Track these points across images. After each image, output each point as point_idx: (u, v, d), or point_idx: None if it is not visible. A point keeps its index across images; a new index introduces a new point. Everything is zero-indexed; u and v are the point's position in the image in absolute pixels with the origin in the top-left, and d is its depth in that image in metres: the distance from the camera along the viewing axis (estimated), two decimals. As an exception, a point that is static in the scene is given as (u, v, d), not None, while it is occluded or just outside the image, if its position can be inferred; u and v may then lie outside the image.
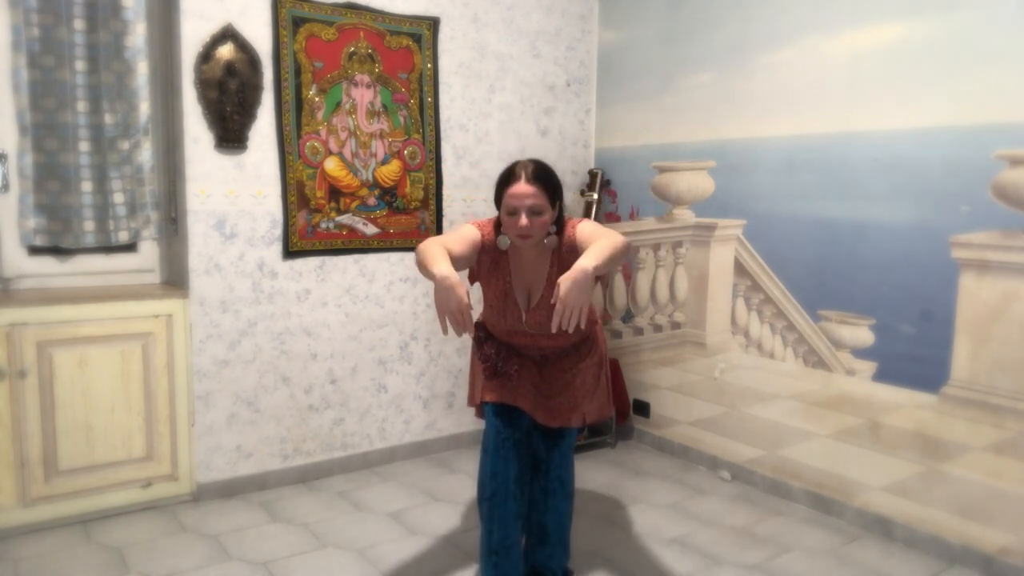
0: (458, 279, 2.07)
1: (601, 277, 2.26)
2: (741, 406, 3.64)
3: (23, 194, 3.09)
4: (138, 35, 3.21)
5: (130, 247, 3.38)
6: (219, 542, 2.95)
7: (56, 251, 3.22)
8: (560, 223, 2.37)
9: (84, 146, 3.17)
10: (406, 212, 3.75)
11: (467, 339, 3.95)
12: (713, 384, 3.78)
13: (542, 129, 4.15)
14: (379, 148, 3.64)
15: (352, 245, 3.61)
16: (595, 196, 4.18)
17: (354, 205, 3.60)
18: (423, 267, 2.19)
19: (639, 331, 4.16)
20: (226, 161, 3.28)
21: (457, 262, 2.23)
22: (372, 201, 3.65)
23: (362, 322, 3.68)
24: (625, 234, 4.15)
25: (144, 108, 3.26)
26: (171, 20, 3.22)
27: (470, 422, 4.00)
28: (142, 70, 3.23)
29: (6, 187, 3.09)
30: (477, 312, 2.65)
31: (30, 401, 2.93)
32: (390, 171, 3.68)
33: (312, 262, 3.53)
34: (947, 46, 2.80)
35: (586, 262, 2.06)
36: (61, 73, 3.09)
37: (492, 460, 2.45)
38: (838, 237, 3.19)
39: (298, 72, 3.40)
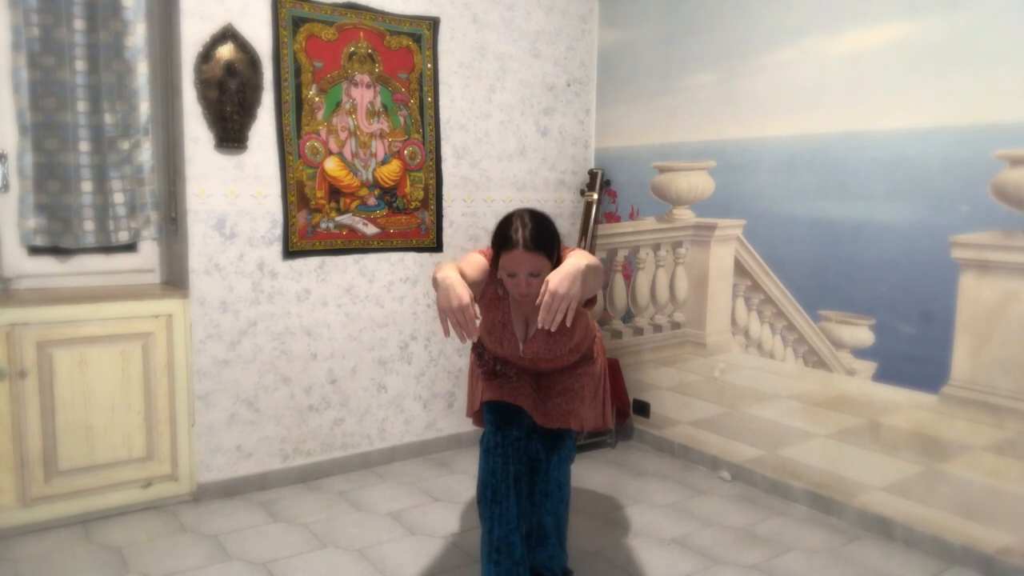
0: (460, 279, 2.06)
1: (591, 301, 2.32)
2: (741, 406, 3.64)
3: (23, 194, 3.09)
4: (138, 35, 3.20)
5: (130, 247, 3.38)
6: (219, 542, 2.95)
7: (56, 251, 3.22)
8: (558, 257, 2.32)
9: (84, 146, 3.17)
10: (406, 212, 3.75)
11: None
12: (713, 384, 3.78)
13: (542, 129, 4.15)
14: (379, 148, 3.64)
15: (352, 245, 3.61)
16: (595, 196, 4.18)
17: (354, 205, 3.60)
18: (438, 279, 2.16)
19: (639, 331, 4.16)
20: (226, 161, 3.28)
21: (472, 283, 2.22)
22: (372, 201, 3.65)
23: (362, 322, 3.68)
24: (625, 234, 4.17)
25: (144, 108, 3.26)
26: (171, 20, 3.22)
27: (469, 422, 3.99)
28: (142, 70, 3.23)
29: (6, 187, 3.09)
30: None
31: (30, 401, 2.93)
32: (390, 171, 3.68)
33: (312, 262, 3.53)
34: (947, 46, 2.80)
35: (577, 259, 2.09)
36: (61, 73, 3.09)
37: (492, 458, 2.45)
38: (838, 237, 3.19)
39: (298, 72, 3.40)
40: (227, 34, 3.21)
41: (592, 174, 4.23)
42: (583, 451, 3.96)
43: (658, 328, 4.06)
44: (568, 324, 2.07)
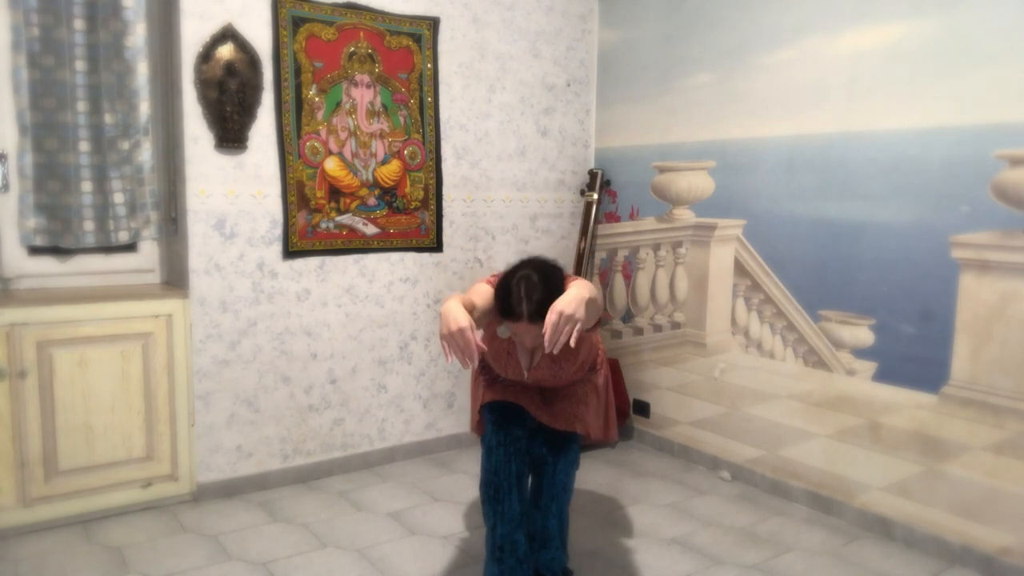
0: (460, 307, 2.08)
1: (592, 328, 2.37)
2: (741, 406, 3.64)
3: (23, 194, 3.09)
4: (138, 35, 3.20)
5: (130, 247, 3.38)
6: (219, 542, 2.95)
7: (56, 251, 3.22)
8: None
9: (84, 146, 3.17)
10: (406, 212, 3.75)
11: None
12: (713, 384, 3.78)
13: (542, 129, 4.15)
14: (379, 148, 3.64)
15: (352, 245, 3.61)
16: (595, 196, 4.18)
17: (354, 205, 3.60)
18: (443, 313, 2.18)
19: (639, 331, 4.16)
20: (226, 161, 3.28)
21: (480, 314, 2.25)
22: (372, 201, 3.65)
23: (362, 322, 3.68)
24: (625, 234, 4.17)
25: (144, 108, 3.26)
26: (171, 20, 3.22)
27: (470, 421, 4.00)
28: (142, 70, 3.23)
29: (6, 187, 3.09)
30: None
31: (30, 401, 2.93)
32: (390, 171, 3.68)
33: (312, 262, 3.53)
34: (947, 46, 2.80)
35: (579, 290, 2.12)
36: (61, 73, 3.09)
37: (493, 457, 2.45)
38: (838, 237, 3.19)
39: (298, 72, 3.40)
40: (227, 34, 3.21)
41: (592, 174, 4.23)
42: (583, 451, 3.95)
43: (658, 328, 4.06)
44: (572, 345, 2.09)
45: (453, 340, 2.03)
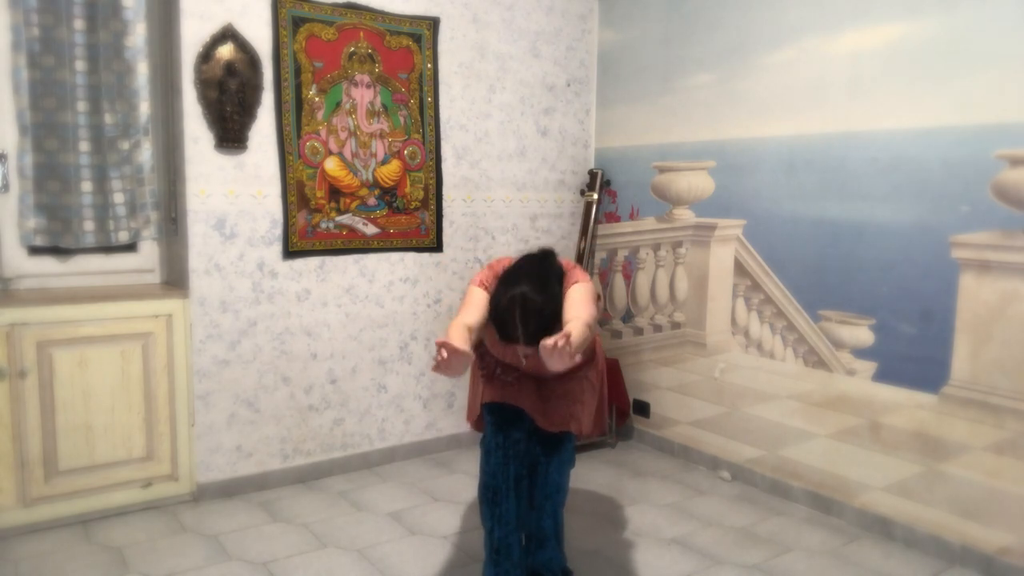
0: (459, 334, 2.12)
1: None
2: (741, 406, 3.64)
3: (23, 194, 3.09)
4: (138, 35, 3.20)
5: (130, 247, 3.37)
6: (219, 542, 2.95)
7: (56, 251, 3.22)
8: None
9: (84, 146, 3.17)
10: (406, 212, 3.75)
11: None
12: (713, 384, 3.78)
13: (542, 129, 4.15)
14: (379, 148, 3.64)
15: (352, 245, 3.61)
16: (595, 196, 4.18)
17: (354, 205, 3.60)
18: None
19: (639, 331, 4.16)
20: (226, 161, 3.28)
21: (481, 326, 2.28)
22: (372, 201, 3.65)
23: (362, 322, 3.68)
24: (625, 234, 4.17)
25: (144, 108, 3.26)
26: (171, 20, 3.22)
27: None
28: (142, 70, 3.23)
29: (6, 187, 3.09)
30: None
31: (30, 401, 2.93)
32: (390, 171, 3.68)
33: (312, 262, 3.53)
34: (947, 46, 2.80)
35: (577, 329, 2.06)
36: (61, 73, 3.09)
37: (492, 460, 2.45)
38: (838, 237, 3.19)
39: (298, 72, 3.40)
40: (227, 34, 3.21)
41: (592, 174, 4.23)
42: (583, 451, 3.95)
43: (658, 328, 4.06)
44: (572, 363, 2.08)
45: (441, 347, 2.00)
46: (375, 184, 3.64)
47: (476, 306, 2.31)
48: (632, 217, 4.14)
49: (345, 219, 3.58)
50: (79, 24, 3.10)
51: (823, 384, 3.29)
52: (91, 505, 3.09)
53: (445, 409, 3.99)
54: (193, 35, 3.16)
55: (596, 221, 4.24)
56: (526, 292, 2.17)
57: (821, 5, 3.18)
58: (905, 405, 3.00)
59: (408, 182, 3.74)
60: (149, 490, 3.21)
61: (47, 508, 3.00)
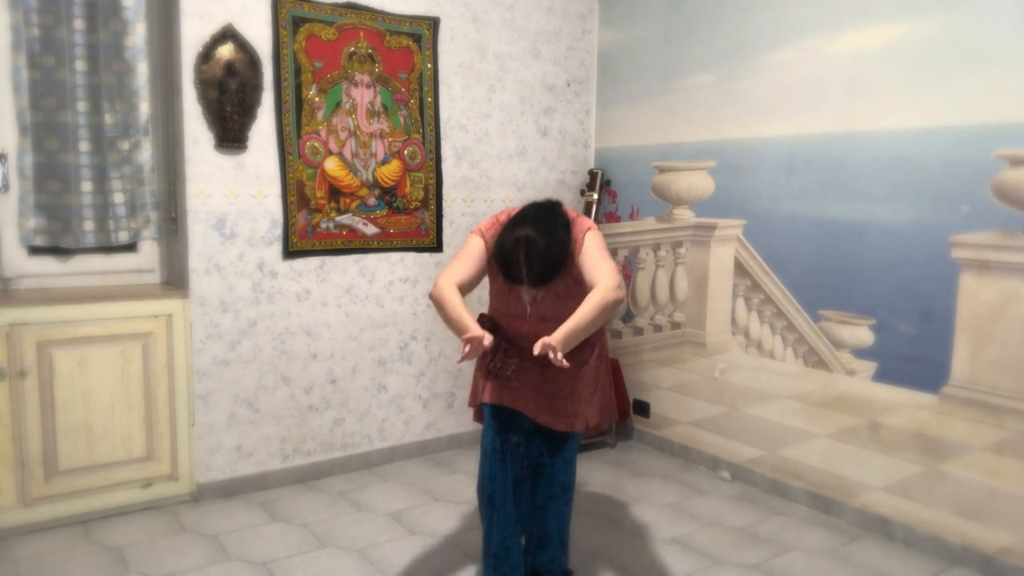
0: (465, 312, 2.22)
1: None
2: (741, 406, 3.64)
3: (23, 194, 3.09)
4: (138, 35, 3.20)
5: (130, 247, 3.37)
6: (219, 542, 2.95)
7: (56, 251, 3.22)
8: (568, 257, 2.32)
9: (84, 146, 3.17)
10: (406, 212, 3.75)
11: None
12: (713, 384, 3.78)
13: (542, 129, 4.15)
14: (379, 148, 3.64)
15: (352, 245, 3.61)
16: (595, 196, 4.18)
17: (354, 205, 3.60)
18: (446, 319, 2.30)
19: (639, 331, 4.16)
20: (226, 161, 3.28)
21: (471, 284, 2.33)
22: (372, 201, 3.65)
23: (362, 322, 3.68)
24: (625, 234, 4.17)
25: (144, 108, 3.26)
26: (171, 20, 3.22)
27: (470, 422, 3.99)
28: (142, 70, 3.23)
29: (6, 187, 3.09)
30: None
31: (30, 401, 2.93)
32: (390, 171, 3.68)
33: (312, 262, 3.53)
34: (947, 46, 2.80)
35: (559, 336, 2.14)
36: (61, 73, 3.09)
37: (490, 463, 2.44)
38: (838, 237, 3.19)
39: (298, 72, 3.40)
40: (227, 34, 3.21)
41: (592, 174, 4.23)
42: (583, 451, 3.95)
43: (658, 328, 4.06)
44: (567, 365, 2.15)
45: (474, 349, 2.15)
46: (375, 184, 3.64)
47: (469, 260, 2.34)
48: (632, 217, 4.14)
49: (345, 219, 3.58)
50: (79, 24, 3.10)
51: (823, 384, 3.29)
52: (91, 505, 3.09)
53: (445, 409, 3.99)
54: (193, 35, 3.17)
55: (596, 221, 4.24)
56: (531, 235, 2.19)
57: (821, 5, 3.18)
58: (905, 405, 3.00)
59: (408, 182, 3.74)
60: (149, 490, 3.21)
61: (47, 508, 3.00)
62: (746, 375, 3.62)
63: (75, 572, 2.70)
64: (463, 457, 3.87)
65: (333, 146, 3.51)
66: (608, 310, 2.20)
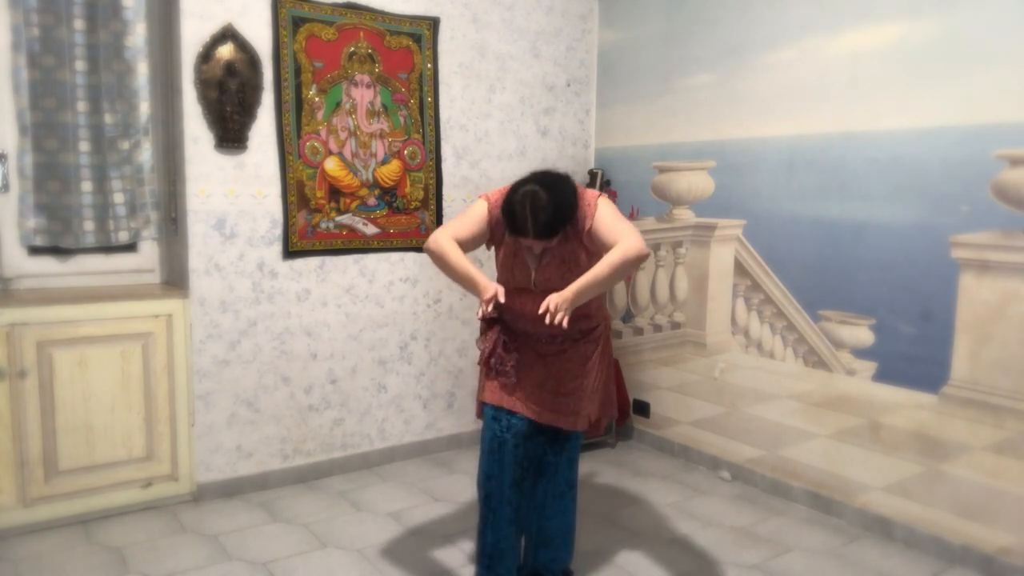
0: (472, 268, 2.30)
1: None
2: (741, 406, 3.64)
3: (23, 194, 3.09)
4: (138, 35, 3.21)
5: (130, 247, 3.37)
6: (219, 542, 2.95)
7: (56, 251, 3.22)
8: (574, 220, 2.34)
9: (84, 146, 3.17)
10: (406, 212, 3.75)
11: (468, 339, 3.96)
12: (713, 384, 3.78)
13: (542, 129, 4.15)
14: (379, 148, 3.64)
15: (352, 245, 3.61)
16: (595, 196, 4.17)
17: (354, 205, 3.60)
18: (451, 272, 2.35)
19: (639, 331, 4.16)
20: (226, 161, 3.28)
21: (468, 244, 2.38)
22: (372, 201, 3.65)
23: (362, 322, 3.68)
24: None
25: (144, 108, 3.26)
26: (171, 20, 3.22)
27: (470, 422, 4.00)
28: (142, 70, 3.23)
29: (6, 187, 3.09)
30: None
31: (30, 401, 2.93)
32: (390, 171, 3.68)
33: (312, 262, 3.53)
34: (947, 46, 2.80)
35: (572, 289, 2.20)
36: (61, 73, 3.09)
37: (487, 462, 2.43)
38: (838, 237, 3.19)
39: (298, 72, 3.40)
40: (227, 34, 3.21)
41: (592, 174, 4.23)
42: (583, 451, 3.94)
43: (658, 328, 4.06)
44: (566, 326, 2.18)
45: (486, 295, 2.23)
46: (375, 184, 3.64)
47: (469, 222, 2.40)
48: (632, 217, 4.14)
49: (345, 219, 3.58)
50: (79, 24, 3.10)
51: (823, 384, 3.29)
52: (91, 505, 3.09)
53: (445, 409, 3.99)
54: (193, 35, 3.17)
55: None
56: (536, 189, 2.24)
57: (821, 5, 3.18)
58: (905, 405, 3.00)
59: (408, 182, 3.74)
60: (149, 490, 3.21)
61: (47, 508, 3.00)
62: (746, 375, 3.62)
63: (75, 572, 2.70)
64: (463, 457, 3.87)
65: (333, 146, 3.51)
66: (629, 265, 2.23)
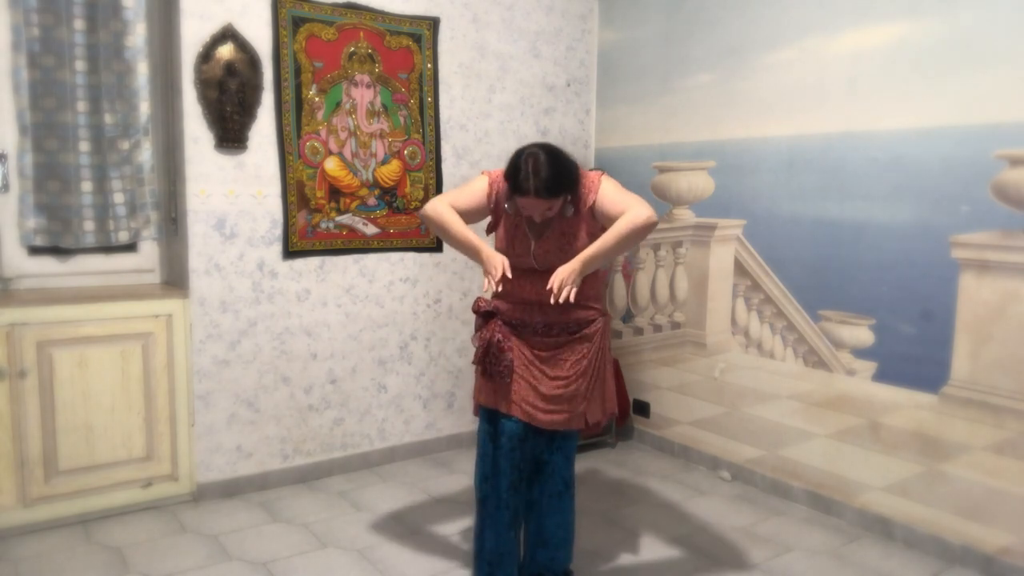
0: (499, 256, 2.31)
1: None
2: (741, 406, 3.64)
3: (23, 194, 3.09)
4: (138, 35, 3.21)
5: (130, 247, 3.38)
6: (219, 542, 2.95)
7: (56, 251, 3.22)
8: (576, 190, 2.37)
9: (84, 146, 3.17)
10: (406, 212, 3.75)
11: (468, 339, 3.96)
12: (713, 384, 3.78)
13: (542, 129, 4.15)
14: (379, 148, 3.64)
15: (352, 245, 3.61)
16: (595, 196, 4.17)
17: (354, 205, 3.60)
18: (450, 237, 2.39)
19: (639, 331, 4.16)
20: (226, 161, 3.28)
21: (465, 217, 2.40)
22: (372, 201, 3.65)
23: (362, 322, 3.68)
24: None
25: (144, 108, 3.26)
26: (171, 20, 3.22)
27: (470, 422, 4.00)
28: (142, 70, 3.24)
29: (6, 187, 3.09)
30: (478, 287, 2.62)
31: (30, 401, 2.93)
32: (390, 171, 3.68)
33: (312, 262, 3.53)
34: (947, 46, 2.80)
35: (580, 258, 2.26)
36: (61, 73, 3.09)
37: (483, 466, 2.43)
38: (838, 237, 3.19)
39: (298, 72, 3.40)
40: (227, 34, 3.21)
41: (592, 174, 4.23)
42: (583, 451, 3.95)
43: (658, 328, 4.06)
44: (571, 300, 2.25)
45: (495, 272, 2.25)
46: (375, 184, 3.64)
47: (468, 193, 2.44)
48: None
49: (345, 219, 3.58)
50: (79, 24, 3.10)
51: (823, 384, 3.29)
52: (91, 505, 3.09)
53: (445, 409, 3.99)
54: (193, 35, 3.17)
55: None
56: (539, 151, 2.28)
57: (821, 5, 3.18)
58: (905, 405, 3.00)
59: (408, 182, 3.74)
60: (149, 490, 3.21)
61: (47, 508, 3.00)
62: (746, 375, 3.62)
63: (75, 572, 2.70)
64: (463, 457, 3.87)
65: (333, 146, 3.51)
66: (638, 232, 2.29)
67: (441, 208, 2.38)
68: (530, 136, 4.10)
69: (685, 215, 3.85)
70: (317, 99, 3.45)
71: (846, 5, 3.10)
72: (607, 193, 2.36)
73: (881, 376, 3.08)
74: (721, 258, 3.69)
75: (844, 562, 2.86)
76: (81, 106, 3.15)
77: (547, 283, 2.31)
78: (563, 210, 2.37)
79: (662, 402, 4.06)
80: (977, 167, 2.73)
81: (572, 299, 2.22)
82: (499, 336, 2.42)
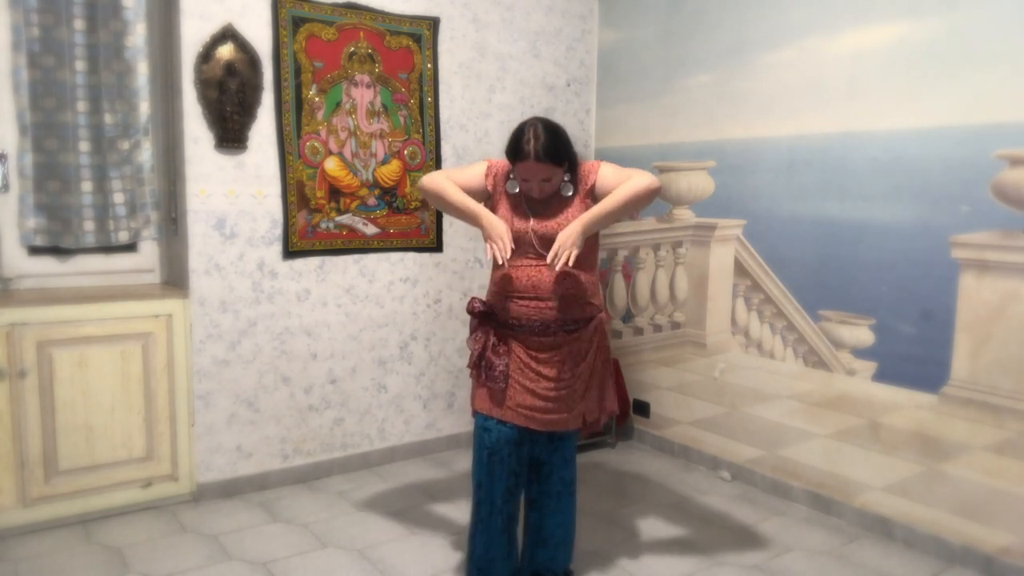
0: (500, 222, 2.34)
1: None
2: (741, 406, 3.64)
3: (23, 194, 3.09)
4: (138, 35, 3.21)
5: (130, 247, 3.38)
6: (219, 542, 2.95)
7: (56, 251, 3.22)
8: (574, 171, 2.43)
9: (84, 146, 3.17)
10: (406, 212, 3.75)
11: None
12: (713, 384, 3.78)
13: (542, 129, 4.15)
14: (379, 148, 3.64)
15: (352, 245, 3.61)
16: (595, 196, 4.17)
17: (354, 205, 3.60)
18: (449, 205, 2.44)
19: (639, 331, 4.16)
20: (226, 161, 3.28)
21: (470, 191, 2.45)
22: (372, 201, 3.65)
23: (362, 322, 3.68)
24: (625, 234, 4.17)
25: (144, 108, 3.26)
26: (171, 20, 3.22)
27: (470, 422, 3.98)
28: (142, 70, 3.24)
29: (6, 187, 3.09)
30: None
31: (30, 401, 2.93)
32: (390, 171, 3.68)
33: (312, 262, 3.53)
34: (947, 46, 2.80)
35: (581, 220, 2.29)
36: (61, 73, 3.09)
37: (478, 471, 2.42)
38: (838, 237, 3.19)
39: (298, 72, 3.40)
40: (227, 34, 3.21)
41: (592, 174, 4.23)
42: (583, 451, 3.95)
43: (658, 328, 4.06)
44: (570, 264, 2.27)
45: (500, 240, 2.28)
46: (375, 184, 3.64)
47: (467, 174, 2.49)
48: (632, 217, 4.14)
49: (345, 219, 3.58)
50: (79, 24, 3.10)
51: (823, 384, 3.29)
52: (91, 505, 3.09)
53: (445, 409, 3.99)
54: (193, 35, 3.17)
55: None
56: (538, 122, 2.36)
57: (821, 5, 3.18)
58: (905, 405, 3.00)
59: (408, 182, 3.74)
60: (149, 490, 3.21)
61: (47, 508, 3.00)
62: (746, 375, 3.62)
63: (75, 572, 2.70)
64: (463, 457, 3.87)
65: (333, 146, 3.51)
66: (640, 197, 2.32)
67: (439, 178, 2.45)
68: (530, 136, 4.09)
69: (685, 215, 3.85)
70: (317, 99, 3.45)
71: (846, 5, 3.10)
72: (608, 173, 2.41)
73: (881, 376, 3.08)
74: (721, 258, 3.69)
75: (844, 562, 2.86)
76: (81, 106, 3.15)
77: (543, 276, 2.37)
78: (562, 188, 2.41)
79: (662, 402, 4.06)
80: (977, 167, 2.73)
81: (571, 263, 2.26)
82: (495, 339, 2.41)
